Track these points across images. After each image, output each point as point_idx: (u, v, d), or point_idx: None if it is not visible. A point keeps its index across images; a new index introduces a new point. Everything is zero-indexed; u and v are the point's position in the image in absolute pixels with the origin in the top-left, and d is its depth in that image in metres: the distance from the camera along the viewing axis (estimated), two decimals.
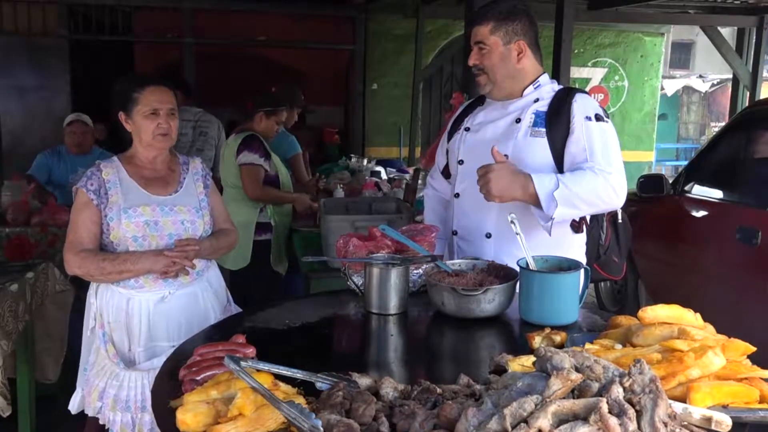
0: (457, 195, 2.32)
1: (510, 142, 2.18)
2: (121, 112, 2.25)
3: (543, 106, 2.20)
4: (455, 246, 2.32)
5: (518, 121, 2.20)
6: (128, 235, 2.17)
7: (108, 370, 2.16)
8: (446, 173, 2.49)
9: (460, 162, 2.32)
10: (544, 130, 2.16)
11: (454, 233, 2.33)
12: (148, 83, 2.25)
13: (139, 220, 2.18)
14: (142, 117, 2.22)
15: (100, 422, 2.19)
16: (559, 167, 2.16)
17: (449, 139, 2.44)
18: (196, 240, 2.24)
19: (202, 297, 2.28)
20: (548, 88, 2.24)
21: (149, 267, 2.15)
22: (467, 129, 2.34)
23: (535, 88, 2.23)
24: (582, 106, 2.16)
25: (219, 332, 1.77)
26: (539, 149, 2.16)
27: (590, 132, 2.12)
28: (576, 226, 2.26)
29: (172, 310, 2.17)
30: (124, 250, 2.18)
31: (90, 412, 2.22)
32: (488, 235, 2.22)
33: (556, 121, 2.16)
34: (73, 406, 2.30)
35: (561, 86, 2.28)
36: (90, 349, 2.28)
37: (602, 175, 2.04)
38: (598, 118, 2.14)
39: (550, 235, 2.04)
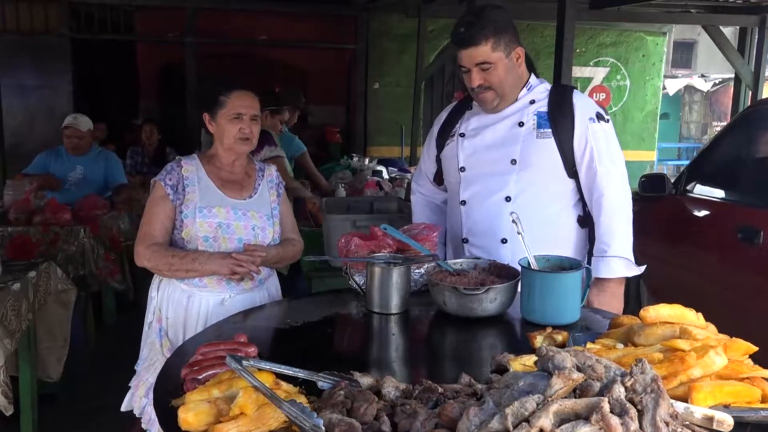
0: (463, 202, 2.29)
1: (516, 146, 2.20)
2: (206, 113, 2.26)
3: (542, 106, 2.22)
4: (467, 254, 2.29)
5: (521, 124, 2.21)
6: (200, 234, 2.17)
7: (159, 365, 2.09)
8: (438, 180, 2.48)
9: (462, 169, 2.29)
10: (549, 130, 2.19)
11: (465, 241, 2.30)
12: (236, 87, 2.26)
13: (212, 220, 2.19)
14: (227, 120, 2.23)
15: (142, 424, 2.15)
16: (567, 167, 2.20)
17: (439, 146, 2.41)
18: (264, 246, 2.24)
19: (260, 304, 2.24)
20: (541, 88, 2.26)
21: (216, 269, 2.14)
22: (462, 135, 2.31)
23: (528, 90, 2.25)
24: (583, 106, 2.22)
25: (221, 332, 1.78)
26: (548, 150, 2.19)
27: (596, 134, 2.19)
28: (582, 220, 2.29)
29: (229, 314, 2.10)
30: (194, 248, 2.18)
31: (137, 412, 2.18)
32: (504, 240, 2.21)
33: (560, 121, 2.19)
34: (124, 403, 2.26)
35: (551, 84, 2.30)
36: (146, 344, 2.27)
37: (616, 196, 2.18)
38: (599, 117, 2.21)
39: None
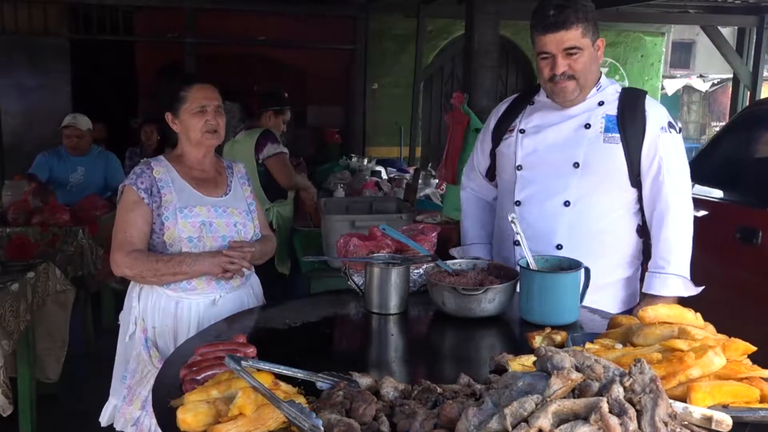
0: (518, 203, 2.17)
1: (580, 149, 2.09)
2: (168, 112, 2.22)
3: (611, 109, 2.11)
4: (517, 257, 2.14)
5: (588, 126, 2.10)
6: (184, 235, 2.12)
7: (151, 376, 2.04)
8: (490, 175, 2.39)
9: (519, 167, 2.18)
10: (618, 135, 2.08)
11: (516, 243, 2.13)
12: (195, 81, 2.23)
13: (195, 220, 2.14)
14: (190, 115, 2.19)
15: None
16: (632, 175, 2.10)
17: (495, 140, 2.30)
18: (249, 242, 2.21)
19: (247, 302, 2.24)
20: (611, 89, 2.15)
21: (207, 269, 2.09)
22: (522, 131, 2.20)
23: (598, 90, 2.14)
24: (656, 113, 2.11)
25: (219, 332, 1.78)
26: (613, 157, 2.08)
27: (666, 145, 2.09)
28: (641, 230, 2.20)
29: (221, 314, 2.06)
30: (177, 251, 2.12)
31: (119, 426, 2.12)
32: (559, 246, 2.10)
33: (630, 127, 2.08)
34: (104, 418, 2.20)
35: (621, 87, 2.20)
36: (128, 356, 2.18)
37: (681, 212, 2.08)
38: (671, 126, 2.11)
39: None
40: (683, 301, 1.99)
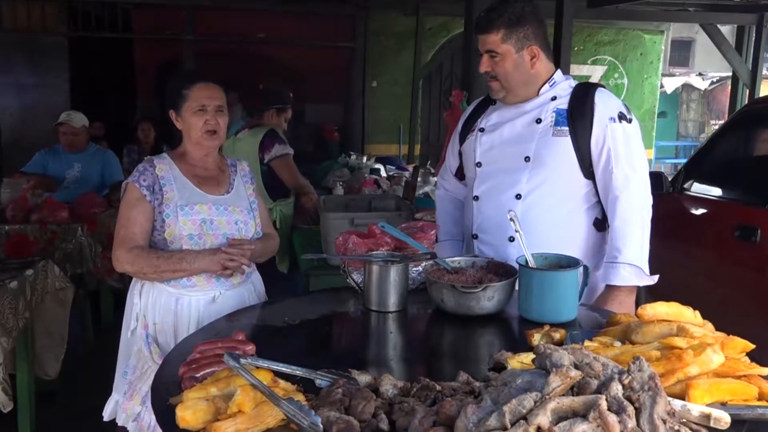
0: (476, 198, 2.24)
1: (531, 144, 2.14)
2: (172, 110, 2.23)
3: (563, 103, 2.16)
4: (476, 250, 2.25)
5: (539, 121, 2.15)
6: (184, 232, 2.13)
7: (152, 372, 2.04)
8: (459, 174, 2.44)
9: (478, 164, 2.25)
10: (567, 128, 2.12)
11: (475, 237, 2.25)
12: (198, 80, 2.23)
13: (196, 218, 2.15)
14: (191, 114, 2.19)
15: (131, 430, 2.11)
16: (584, 167, 2.13)
17: (461, 140, 2.38)
18: (250, 240, 2.22)
19: (248, 299, 2.24)
20: (565, 85, 2.20)
21: (206, 266, 2.11)
22: (482, 130, 2.27)
23: (551, 87, 2.18)
24: (605, 104, 2.13)
25: (218, 330, 1.78)
26: (563, 148, 2.12)
27: (615, 135, 2.10)
28: (599, 223, 2.22)
29: (221, 311, 2.06)
30: (178, 248, 2.13)
31: (121, 421, 2.14)
32: (511, 239, 2.15)
33: (579, 119, 2.12)
34: (107, 412, 2.22)
35: (577, 82, 2.24)
36: (129, 352, 2.20)
37: (632, 201, 2.09)
38: (621, 117, 2.12)
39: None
40: (682, 300, 2.00)
